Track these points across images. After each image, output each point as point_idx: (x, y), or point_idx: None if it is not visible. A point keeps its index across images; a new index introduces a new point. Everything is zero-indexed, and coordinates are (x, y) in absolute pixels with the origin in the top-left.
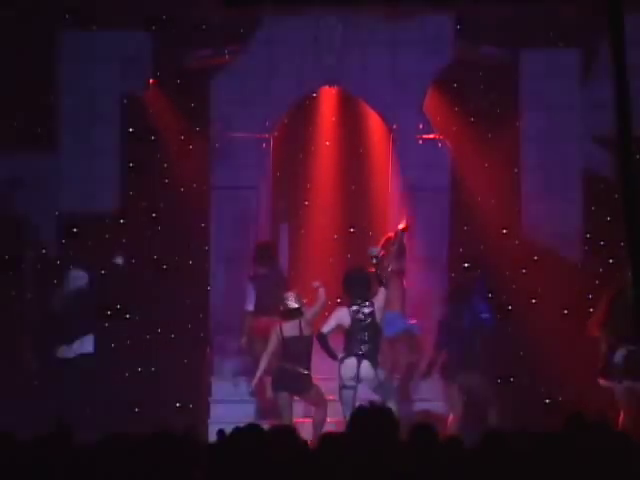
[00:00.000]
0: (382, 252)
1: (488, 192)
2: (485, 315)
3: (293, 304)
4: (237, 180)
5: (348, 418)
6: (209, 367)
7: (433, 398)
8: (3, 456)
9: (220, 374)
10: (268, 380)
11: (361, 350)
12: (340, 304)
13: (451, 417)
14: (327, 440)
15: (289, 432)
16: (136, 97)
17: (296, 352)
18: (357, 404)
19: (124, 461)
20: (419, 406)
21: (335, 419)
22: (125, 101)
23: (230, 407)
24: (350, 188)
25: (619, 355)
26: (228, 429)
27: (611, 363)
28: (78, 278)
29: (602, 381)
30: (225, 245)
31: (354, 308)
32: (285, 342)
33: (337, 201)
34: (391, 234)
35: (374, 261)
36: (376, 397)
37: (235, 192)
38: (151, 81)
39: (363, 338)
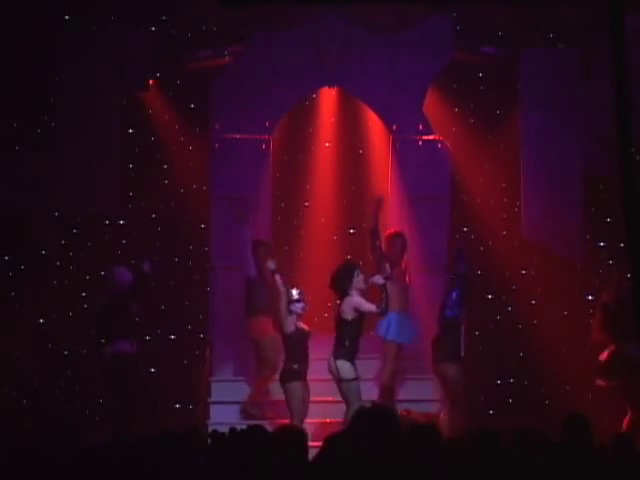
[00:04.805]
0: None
1: (488, 193)
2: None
3: (297, 295)
4: (237, 181)
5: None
6: (209, 368)
7: (429, 398)
8: (10, 456)
9: (220, 375)
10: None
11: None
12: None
13: (442, 414)
14: (329, 440)
15: (291, 432)
16: (136, 97)
17: (297, 348)
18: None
19: (130, 462)
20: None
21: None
22: (125, 101)
23: (230, 409)
24: (350, 189)
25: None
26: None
27: (614, 363)
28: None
29: (601, 382)
30: (225, 246)
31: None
32: (287, 338)
33: (337, 202)
34: (392, 230)
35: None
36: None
37: (235, 193)
38: (151, 82)
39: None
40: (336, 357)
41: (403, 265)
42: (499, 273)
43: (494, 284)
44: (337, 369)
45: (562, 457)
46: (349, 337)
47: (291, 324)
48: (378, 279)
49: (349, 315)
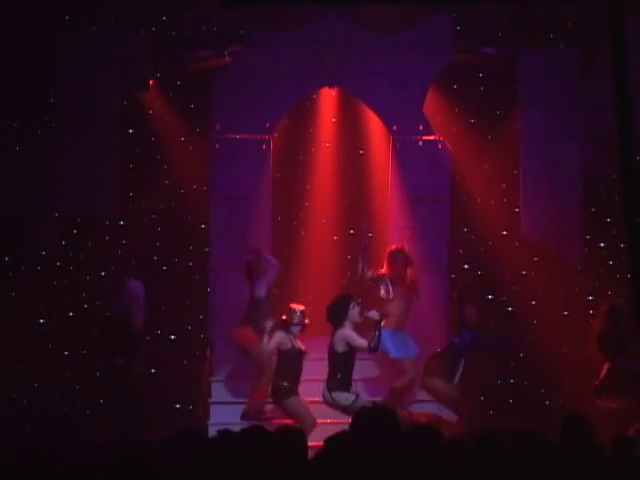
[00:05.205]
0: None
1: (488, 193)
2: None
3: (298, 319)
4: (237, 182)
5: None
6: (209, 369)
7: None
8: (10, 456)
9: (220, 376)
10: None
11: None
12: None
13: (456, 420)
14: (330, 440)
15: (291, 432)
16: (136, 98)
17: (291, 366)
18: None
19: (130, 462)
20: (417, 407)
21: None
22: (125, 102)
23: (230, 409)
24: (350, 189)
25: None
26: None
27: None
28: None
29: (601, 402)
30: (225, 246)
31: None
32: (282, 355)
33: (337, 202)
34: (393, 247)
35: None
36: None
37: (235, 194)
38: (151, 82)
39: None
40: (330, 390)
41: (408, 281)
42: (499, 273)
43: (494, 284)
44: (334, 400)
45: (562, 458)
46: (341, 370)
47: (287, 342)
48: (374, 315)
49: (340, 347)
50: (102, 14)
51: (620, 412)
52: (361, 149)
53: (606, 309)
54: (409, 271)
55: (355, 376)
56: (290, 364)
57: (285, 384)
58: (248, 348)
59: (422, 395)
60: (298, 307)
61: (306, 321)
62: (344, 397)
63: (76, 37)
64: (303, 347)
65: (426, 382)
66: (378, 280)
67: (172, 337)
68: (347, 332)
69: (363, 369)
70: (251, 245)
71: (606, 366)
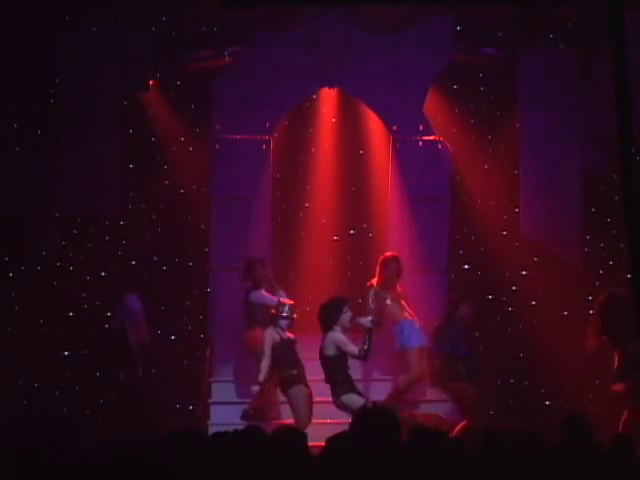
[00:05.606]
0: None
1: (488, 193)
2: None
3: (286, 312)
4: (237, 182)
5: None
6: (209, 369)
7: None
8: (10, 456)
9: (220, 376)
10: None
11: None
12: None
13: (464, 422)
14: (331, 441)
15: (292, 433)
16: (136, 98)
17: (286, 355)
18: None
19: (130, 462)
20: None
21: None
22: (125, 102)
23: (230, 409)
24: (350, 189)
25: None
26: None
27: (624, 365)
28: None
29: (618, 387)
30: (225, 246)
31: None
32: (274, 349)
33: (337, 203)
34: (388, 254)
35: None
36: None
37: (235, 194)
38: (151, 82)
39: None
40: (338, 395)
41: (398, 289)
42: (499, 273)
43: (494, 284)
44: (344, 404)
45: (562, 458)
46: (339, 373)
47: (276, 335)
48: (366, 322)
49: (330, 351)
50: (102, 14)
51: (618, 411)
52: (361, 149)
53: (605, 297)
54: (400, 281)
55: (367, 377)
56: (285, 354)
57: (294, 372)
58: (256, 348)
59: (430, 394)
60: (287, 301)
61: (294, 315)
62: (355, 399)
63: (76, 37)
64: (292, 336)
65: (442, 386)
66: (370, 294)
67: (172, 337)
68: (338, 336)
69: (371, 369)
70: (265, 273)
71: (617, 353)
